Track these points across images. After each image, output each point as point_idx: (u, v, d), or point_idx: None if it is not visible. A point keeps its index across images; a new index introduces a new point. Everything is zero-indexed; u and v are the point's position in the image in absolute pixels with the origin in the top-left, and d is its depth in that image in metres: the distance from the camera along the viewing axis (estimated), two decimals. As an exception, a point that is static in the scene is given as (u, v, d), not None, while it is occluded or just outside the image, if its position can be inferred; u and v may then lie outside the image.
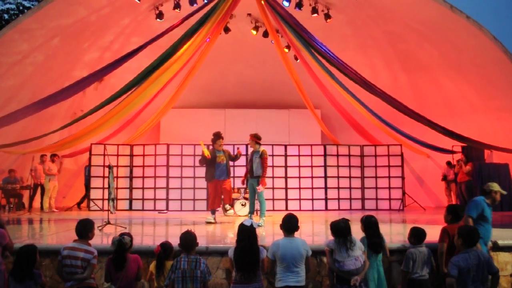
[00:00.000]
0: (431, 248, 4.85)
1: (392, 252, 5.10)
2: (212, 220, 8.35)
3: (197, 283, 4.03)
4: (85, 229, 4.44)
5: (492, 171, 11.59)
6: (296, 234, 4.49)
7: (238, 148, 9.05)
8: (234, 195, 10.38)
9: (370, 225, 4.67)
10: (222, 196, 8.62)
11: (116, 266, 4.31)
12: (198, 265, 4.08)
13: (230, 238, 6.39)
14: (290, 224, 4.35)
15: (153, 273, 4.54)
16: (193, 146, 12.16)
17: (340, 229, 4.38)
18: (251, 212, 8.27)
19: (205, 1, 10.73)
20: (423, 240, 4.75)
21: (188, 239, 4.23)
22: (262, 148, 8.23)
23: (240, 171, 11.69)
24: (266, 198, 11.40)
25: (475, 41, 11.23)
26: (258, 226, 7.74)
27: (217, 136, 8.46)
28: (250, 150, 8.55)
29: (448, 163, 12.46)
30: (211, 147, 8.73)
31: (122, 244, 4.35)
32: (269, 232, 7.19)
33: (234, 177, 11.56)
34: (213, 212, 8.51)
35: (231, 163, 8.82)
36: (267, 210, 8.46)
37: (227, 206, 8.90)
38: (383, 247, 4.72)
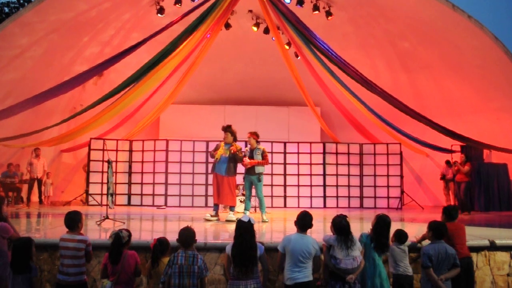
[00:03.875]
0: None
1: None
2: (209, 217, 8.05)
3: (194, 279, 4.04)
4: (73, 221, 4.51)
5: (491, 171, 11.62)
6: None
7: (233, 148, 8.14)
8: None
9: (383, 224, 4.70)
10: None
11: (111, 260, 4.33)
12: (196, 260, 4.09)
13: (228, 234, 6.39)
14: (304, 222, 4.43)
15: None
16: (192, 142, 12.16)
17: (342, 226, 4.41)
18: (247, 208, 8.21)
19: (206, -3, 10.71)
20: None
21: (188, 235, 4.23)
22: (261, 146, 8.23)
23: (240, 168, 11.70)
24: (265, 195, 11.44)
25: (476, 41, 11.22)
26: (264, 222, 7.76)
27: (223, 129, 8.30)
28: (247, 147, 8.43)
29: (447, 162, 12.46)
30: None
31: (119, 238, 4.36)
32: (267, 229, 7.19)
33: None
34: (215, 208, 8.21)
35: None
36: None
37: (230, 214, 8.15)
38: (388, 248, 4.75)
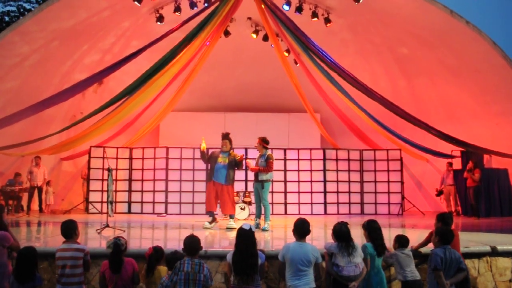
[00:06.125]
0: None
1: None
2: (208, 226, 8.00)
3: (199, 287, 4.02)
4: (69, 230, 4.47)
5: (491, 176, 11.59)
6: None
7: (242, 154, 8.35)
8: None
9: (373, 229, 4.73)
10: (219, 201, 8.16)
11: (113, 269, 4.31)
12: (202, 269, 4.08)
13: (229, 242, 6.37)
14: (302, 229, 4.38)
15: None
16: (192, 149, 12.13)
17: (343, 233, 4.42)
18: (257, 216, 8.13)
19: (205, 5, 10.76)
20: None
21: (193, 243, 4.23)
22: (268, 151, 8.16)
23: (240, 175, 11.69)
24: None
25: (475, 46, 11.25)
26: (264, 230, 7.70)
27: (222, 136, 8.26)
28: (256, 154, 8.39)
29: (450, 164, 12.38)
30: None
31: (118, 246, 4.37)
32: (268, 237, 7.17)
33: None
34: (210, 215, 8.13)
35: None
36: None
37: (231, 222, 8.13)
38: (385, 250, 4.75)
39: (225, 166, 8.02)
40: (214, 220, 8.17)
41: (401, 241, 4.91)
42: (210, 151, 8.56)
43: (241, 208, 9.87)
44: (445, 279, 4.37)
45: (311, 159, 12.76)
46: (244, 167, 8.49)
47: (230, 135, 8.33)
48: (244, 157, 8.21)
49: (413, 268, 4.74)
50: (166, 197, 12.09)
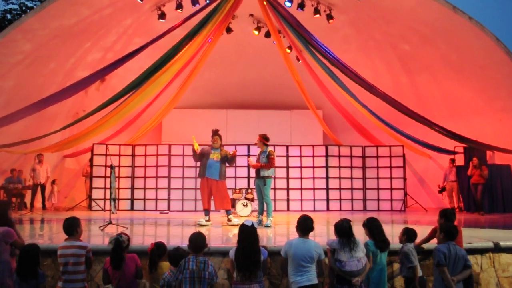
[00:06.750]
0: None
1: (393, 252, 5.09)
2: (204, 223, 7.98)
3: (204, 285, 4.03)
4: (72, 226, 4.49)
5: (494, 173, 11.58)
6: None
7: (234, 150, 8.42)
8: (235, 196, 10.35)
9: (374, 226, 4.74)
10: (212, 198, 8.23)
11: (114, 265, 4.33)
12: (207, 266, 4.09)
13: (232, 238, 6.39)
14: (305, 226, 4.40)
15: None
16: (195, 146, 12.15)
17: (344, 229, 4.43)
18: (260, 212, 8.16)
19: (207, 2, 10.75)
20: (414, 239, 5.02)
21: (198, 240, 4.24)
22: (269, 148, 8.16)
23: (242, 172, 11.72)
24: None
25: (478, 42, 11.21)
26: (266, 226, 7.71)
27: (212, 133, 8.33)
28: (258, 150, 8.41)
29: (452, 161, 12.36)
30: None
31: (120, 242, 4.39)
32: (270, 233, 7.18)
33: (236, 177, 11.65)
34: (206, 213, 8.15)
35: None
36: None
37: (231, 217, 8.27)
38: (388, 245, 4.76)
39: (219, 162, 8.11)
40: (209, 219, 8.16)
41: (409, 234, 4.90)
42: (201, 148, 8.61)
43: (244, 205, 9.88)
44: (452, 275, 4.35)
45: (313, 156, 12.74)
46: (236, 164, 8.55)
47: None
48: (237, 153, 8.26)
49: (418, 264, 4.74)
50: (169, 194, 12.11)
